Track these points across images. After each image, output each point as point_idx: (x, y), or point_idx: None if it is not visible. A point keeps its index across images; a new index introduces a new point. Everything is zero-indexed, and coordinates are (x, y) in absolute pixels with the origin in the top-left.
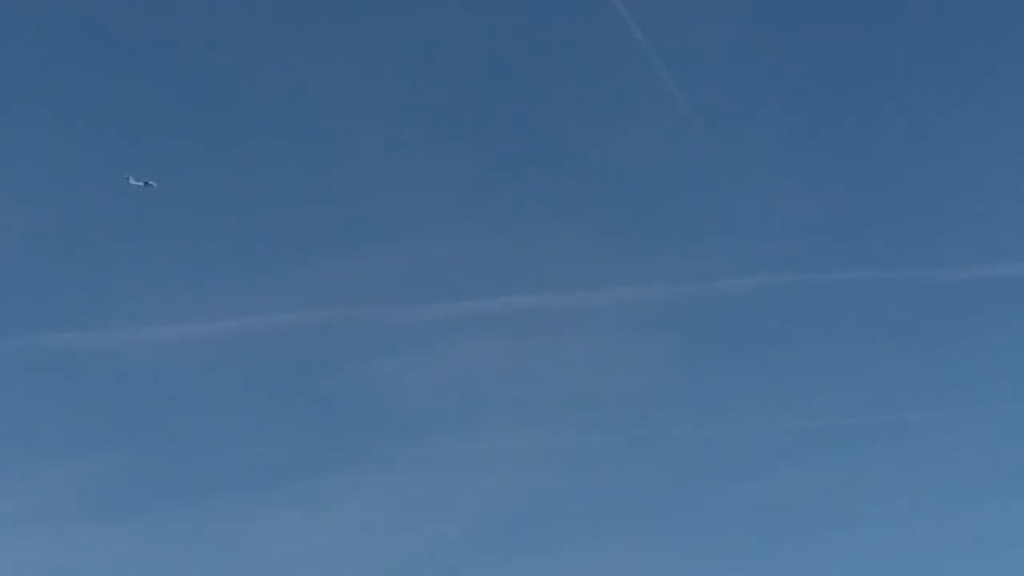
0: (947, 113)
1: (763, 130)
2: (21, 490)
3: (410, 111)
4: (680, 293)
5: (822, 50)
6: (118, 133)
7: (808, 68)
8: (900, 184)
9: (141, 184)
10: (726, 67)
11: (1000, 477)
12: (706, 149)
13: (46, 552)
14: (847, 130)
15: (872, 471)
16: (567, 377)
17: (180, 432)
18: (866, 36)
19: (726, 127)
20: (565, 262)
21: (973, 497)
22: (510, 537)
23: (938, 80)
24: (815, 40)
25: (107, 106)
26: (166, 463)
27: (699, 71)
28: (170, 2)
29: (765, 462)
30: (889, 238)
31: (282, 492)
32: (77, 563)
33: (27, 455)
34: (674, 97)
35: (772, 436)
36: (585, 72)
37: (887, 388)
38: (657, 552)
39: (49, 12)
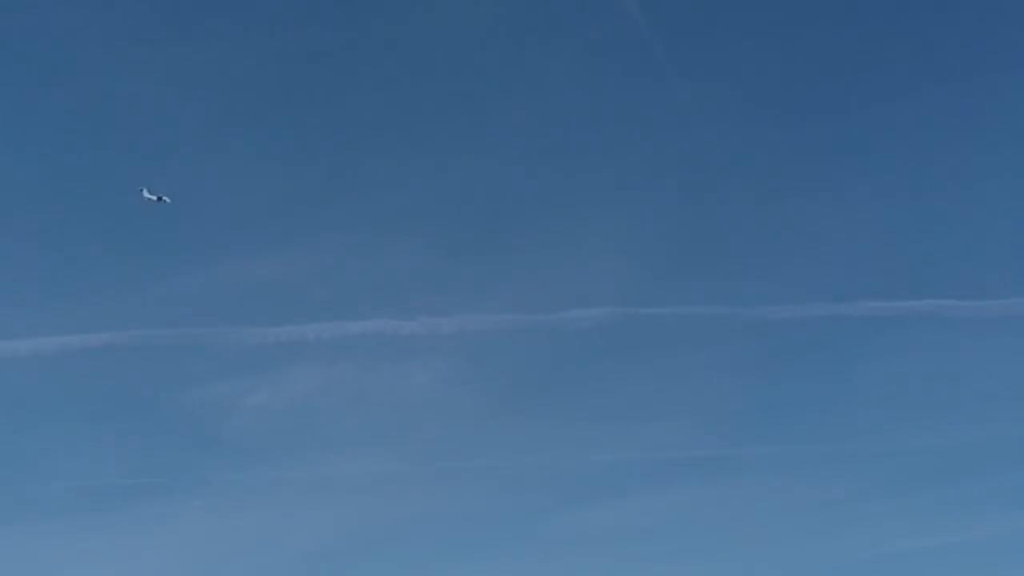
0: (784, 151)
1: (615, 165)
2: None
3: (259, 127)
4: (526, 322)
5: (664, 91)
6: None
7: (654, 107)
8: (744, 223)
9: (155, 199)
10: (574, 104)
11: (830, 510)
12: (557, 181)
13: None
14: (695, 169)
15: (708, 502)
16: (409, 404)
17: (6, 451)
18: (702, 83)
19: (578, 160)
20: (411, 287)
21: (806, 529)
22: (348, 564)
23: (769, 122)
24: (657, 81)
25: None
26: None
27: (547, 106)
28: None
29: (605, 491)
30: (734, 276)
31: (115, 514)
32: None
33: None
34: (524, 128)
35: (612, 465)
36: (437, 98)
37: (725, 422)
38: None
39: None
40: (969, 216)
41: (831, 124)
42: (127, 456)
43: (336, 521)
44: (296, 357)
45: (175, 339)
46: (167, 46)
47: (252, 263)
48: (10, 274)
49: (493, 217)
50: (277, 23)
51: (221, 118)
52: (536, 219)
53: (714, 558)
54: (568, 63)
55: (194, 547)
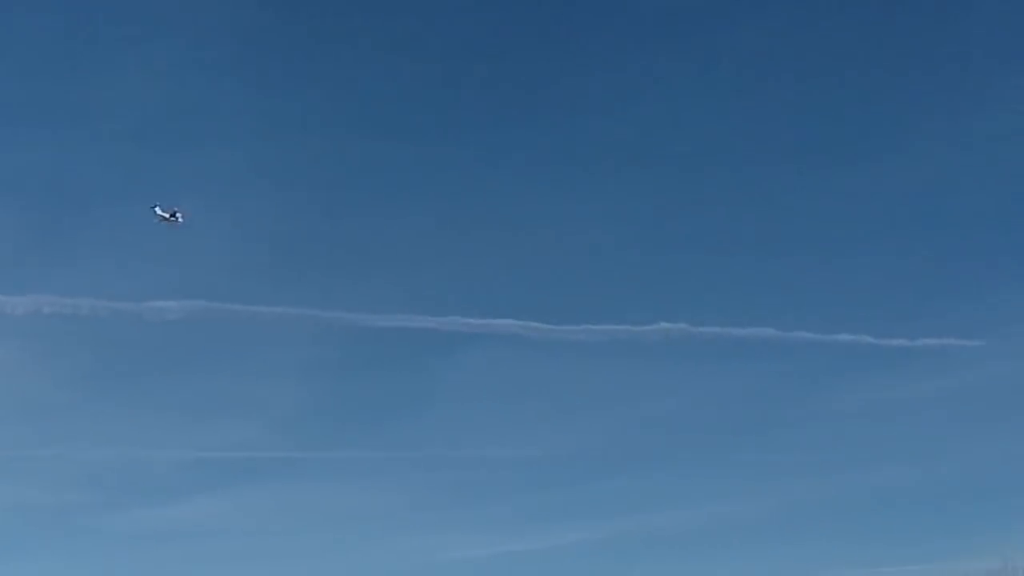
0: (393, 168)
1: (219, 157)
2: None
3: None
4: (109, 308)
5: (273, 95)
6: None
7: (265, 108)
8: (346, 230)
9: (167, 216)
10: (179, 91)
11: (394, 517)
12: (156, 167)
13: None
14: (303, 174)
15: (275, 505)
16: None
17: None
18: (314, 90)
19: (178, 148)
20: None
21: (371, 535)
22: None
23: (381, 140)
24: (266, 81)
25: None
26: None
27: (147, 93)
28: None
29: (173, 488)
30: (328, 281)
31: None
32: None
33: None
34: (127, 112)
35: (182, 462)
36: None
37: (299, 424)
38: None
39: None
40: (558, 248)
41: (446, 146)
42: None
43: None
44: None
45: None
46: None
47: None
48: None
49: (84, 196)
50: None
51: None
52: (131, 204)
53: (276, 561)
54: (173, 52)
55: None
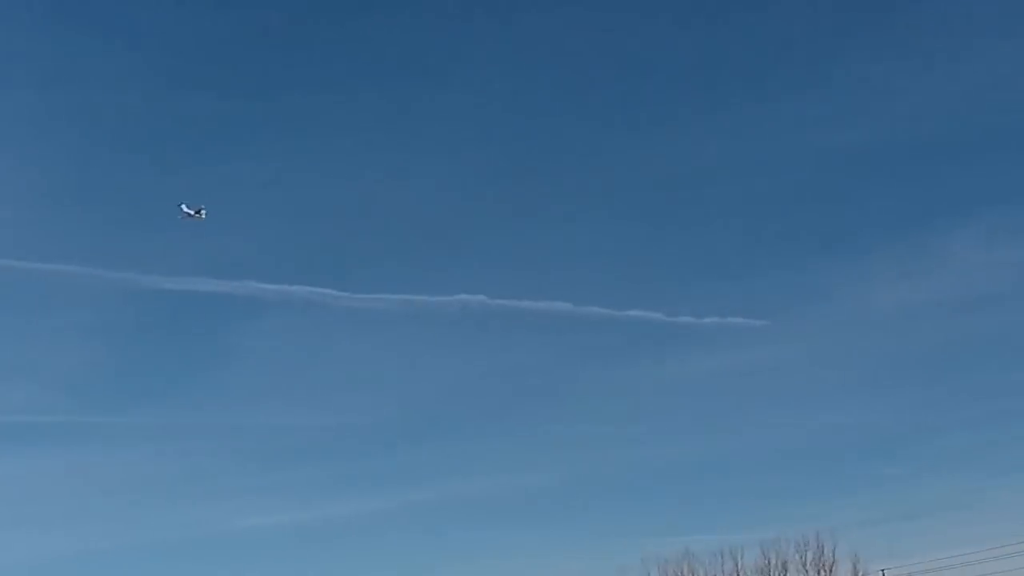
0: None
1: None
2: None
3: None
4: None
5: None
6: None
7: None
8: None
9: (192, 213)
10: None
11: (188, 483)
12: None
13: None
14: (108, 118)
15: (62, 470)
16: None
17: None
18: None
19: None
20: None
21: (158, 501)
22: None
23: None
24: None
25: None
26: None
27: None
28: None
29: None
30: (114, 237)
31: None
32: None
33: None
34: None
35: None
36: None
37: (88, 388)
38: None
39: None
40: (357, 214)
41: (255, 101)
42: None
43: None
44: None
45: None
46: None
47: None
48: None
49: None
50: None
51: None
52: None
53: (56, 529)
54: None
55: None
